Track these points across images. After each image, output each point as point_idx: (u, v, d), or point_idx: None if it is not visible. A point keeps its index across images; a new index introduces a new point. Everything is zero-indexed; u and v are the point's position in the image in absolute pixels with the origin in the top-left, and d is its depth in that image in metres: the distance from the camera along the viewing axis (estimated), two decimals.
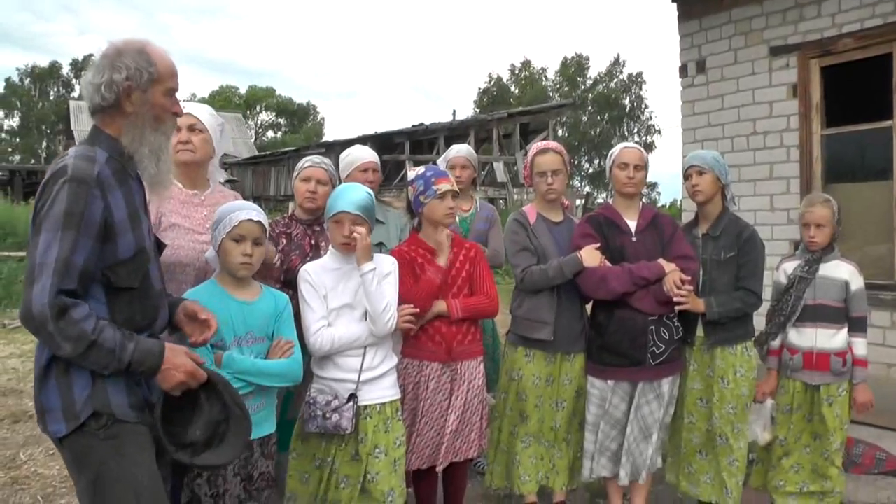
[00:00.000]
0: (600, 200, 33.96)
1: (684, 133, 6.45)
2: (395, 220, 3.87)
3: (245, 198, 3.13)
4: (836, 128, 5.61)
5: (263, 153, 36.08)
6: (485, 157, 24.38)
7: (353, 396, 2.80)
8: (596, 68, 67.25)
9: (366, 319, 2.85)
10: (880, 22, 5.07)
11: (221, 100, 57.27)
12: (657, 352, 3.27)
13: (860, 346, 3.40)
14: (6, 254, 12.97)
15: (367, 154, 3.79)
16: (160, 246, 2.36)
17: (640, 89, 54.16)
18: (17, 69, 61.73)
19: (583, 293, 3.36)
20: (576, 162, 50.34)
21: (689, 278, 3.22)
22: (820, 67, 5.53)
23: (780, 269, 3.57)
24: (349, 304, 2.87)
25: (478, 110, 50.98)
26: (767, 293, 3.53)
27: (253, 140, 48.68)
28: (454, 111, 48.16)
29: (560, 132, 42.06)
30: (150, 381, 2.09)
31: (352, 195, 2.86)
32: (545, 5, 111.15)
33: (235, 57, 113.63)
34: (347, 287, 2.87)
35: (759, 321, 3.51)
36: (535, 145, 3.66)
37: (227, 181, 3.54)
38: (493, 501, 3.88)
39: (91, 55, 2.22)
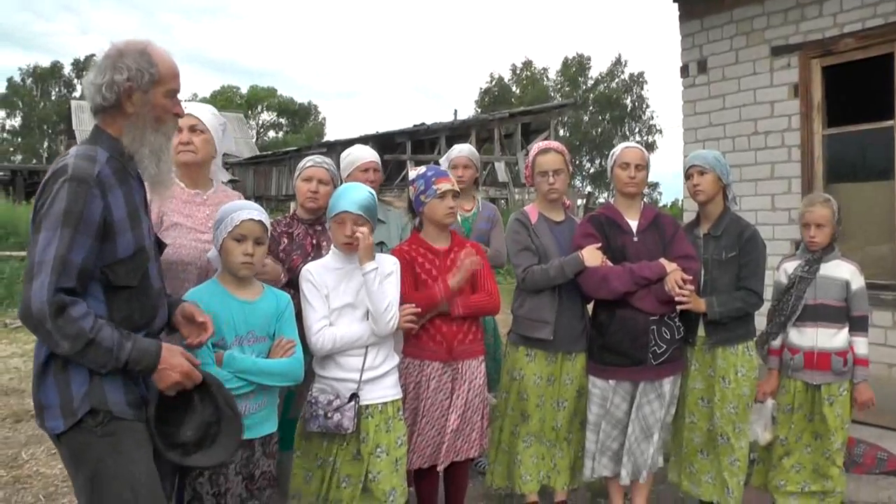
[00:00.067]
0: (602, 200, 33.95)
1: (685, 133, 6.45)
2: (397, 220, 3.88)
3: (247, 198, 3.13)
4: (838, 128, 5.61)
5: (265, 153, 36.14)
6: (486, 157, 24.38)
7: (354, 396, 2.81)
8: (597, 68, 67.18)
9: (367, 319, 2.85)
10: (882, 22, 5.07)
11: (223, 100, 57.29)
12: (658, 351, 3.27)
13: (861, 346, 3.40)
14: (8, 253, 12.99)
15: (367, 154, 3.79)
16: (161, 246, 2.37)
17: (642, 89, 54.19)
18: (19, 69, 62.07)
19: (584, 293, 3.37)
20: (577, 162, 50.30)
21: (691, 278, 3.23)
22: (821, 67, 5.52)
23: (780, 268, 3.57)
24: (351, 304, 2.87)
25: (479, 110, 50.98)
26: (768, 293, 3.54)
27: (254, 140, 48.73)
28: (455, 111, 48.17)
29: (561, 132, 42.02)
30: (148, 379, 2.10)
31: (354, 195, 2.87)
32: (547, 5, 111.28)
33: (237, 57, 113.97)
34: (349, 287, 2.87)
35: (760, 321, 3.52)
36: (537, 145, 3.66)
37: (230, 181, 3.55)
38: (495, 501, 3.88)
39: (93, 55, 2.23)
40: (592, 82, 55.64)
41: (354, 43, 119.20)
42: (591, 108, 54.17)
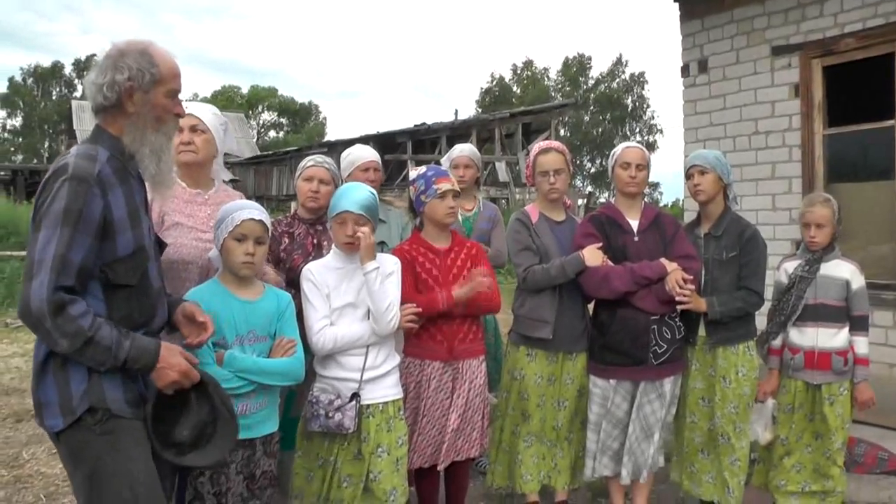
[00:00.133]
0: (602, 200, 33.95)
1: (686, 133, 6.45)
2: (397, 220, 3.88)
3: (248, 197, 3.13)
4: (838, 127, 5.61)
5: (265, 153, 36.14)
6: (487, 157, 24.37)
7: (355, 395, 2.81)
8: (598, 68, 67.21)
9: (368, 319, 2.86)
10: (882, 22, 5.07)
11: (224, 99, 57.29)
12: (659, 351, 3.27)
13: (862, 345, 3.40)
14: (9, 253, 12.99)
15: (367, 153, 3.80)
16: (161, 245, 2.37)
17: (643, 89, 54.22)
18: (21, 69, 62.12)
19: (585, 292, 3.37)
20: (578, 162, 50.33)
21: (691, 278, 3.23)
22: (822, 67, 5.53)
23: (781, 268, 3.57)
24: (352, 304, 2.87)
25: (480, 110, 50.98)
26: (769, 293, 3.54)
27: (255, 140, 48.73)
28: (456, 111, 48.10)
29: (562, 132, 42.03)
30: (146, 377, 2.10)
31: (355, 195, 2.87)
32: (547, 5, 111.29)
33: (238, 57, 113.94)
34: (350, 286, 2.88)
35: (761, 321, 3.52)
36: (538, 145, 3.66)
37: (231, 181, 3.55)
38: (495, 500, 3.88)
39: (94, 55, 2.25)
40: (593, 82, 55.66)
41: (355, 43, 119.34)
42: (591, 107, 54.18)
